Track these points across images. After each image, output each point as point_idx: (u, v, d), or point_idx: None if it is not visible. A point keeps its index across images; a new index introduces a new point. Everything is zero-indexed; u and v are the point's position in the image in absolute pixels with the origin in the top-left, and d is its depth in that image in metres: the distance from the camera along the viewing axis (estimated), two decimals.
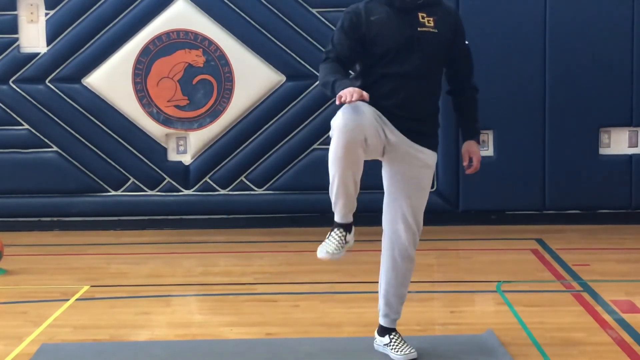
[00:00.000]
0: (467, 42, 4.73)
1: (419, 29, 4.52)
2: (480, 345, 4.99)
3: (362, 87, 4.46)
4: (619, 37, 8.25)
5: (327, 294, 6.10)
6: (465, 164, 4.78)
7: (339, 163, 4.37)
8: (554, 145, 8.34)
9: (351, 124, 4.31)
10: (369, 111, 4.41)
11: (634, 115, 8.33)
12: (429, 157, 4.65)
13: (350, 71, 4.64)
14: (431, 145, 4.68)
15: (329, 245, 4.51)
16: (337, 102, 4.27)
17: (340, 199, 4.47)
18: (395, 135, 4.55)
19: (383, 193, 4.65)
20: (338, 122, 4.35)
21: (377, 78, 4.55)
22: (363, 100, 4.29)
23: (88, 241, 8.12)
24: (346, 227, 4.55)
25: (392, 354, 4.76)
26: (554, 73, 8.28)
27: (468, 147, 4.80)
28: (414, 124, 4.59)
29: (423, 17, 4.54)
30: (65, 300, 6.11)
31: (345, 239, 4.55)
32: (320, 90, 4.95)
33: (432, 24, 4.55)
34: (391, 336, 4.80)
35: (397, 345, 4.77)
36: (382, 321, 4.83)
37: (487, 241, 7.91)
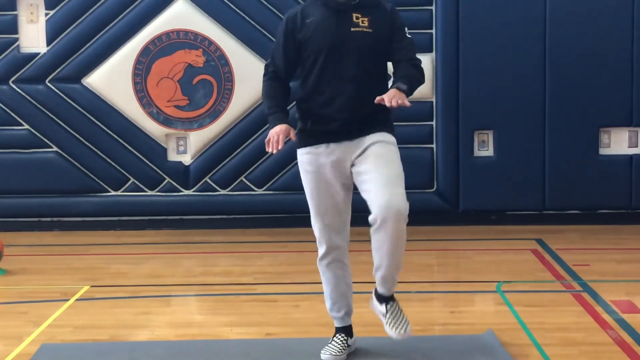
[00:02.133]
0: (409, 36, 4.64)
1: (352, 29, 4.52)
2: (480, 345, 4.99)
3: (302, 98, 4.64)
4: (619, 37, 8.26)
5: None
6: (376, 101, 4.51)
7: (327, 275, 4.77)
8: (554, 145, 8.35)
9: (331, 241, 4.70)
10: (329, 213, 4.66)
11: (634, 115, 8.34)
12: (385, 136, 4.58)
13: (289, 83, 4.75)
14: (384, 129, 4.61)
15: (332, 349, 4.79)
16: (267, 149, 4.54)
17: (337, 302, 4.80)
18: (345, 150, 4.56)
19: None
20: (318, 234, 4.72)
21: (315, 84, 4.57)
22: (308, 112, 4.61)
23: (88, 241, 8.12)
24: (347, 332, 4.84)
25: (386, 327, 4.65)
26: (554, 73, 8.28)
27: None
28: (360, 122, 4.57)
29: (357, 18, 4.54)
30: (65, 300, 6.11)
31: (347, 343, 4.82)
32: None
33: (366, 24, 4.54)
34: (388, 306, 4.67)
35: (392, 318, 4.64)
36: (379, 289, 4.69)
37: (487, 241, 7.91)
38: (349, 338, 4.86)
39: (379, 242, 4.50)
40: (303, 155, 4.68)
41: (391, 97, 4.36)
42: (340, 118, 4.55)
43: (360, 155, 4.57)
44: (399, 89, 4.42)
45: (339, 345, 4.80)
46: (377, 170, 4.50)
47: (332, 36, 4.51)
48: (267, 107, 4.71)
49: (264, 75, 4.77)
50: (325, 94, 4.56)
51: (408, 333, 4.64)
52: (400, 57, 4.59)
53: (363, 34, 4.52)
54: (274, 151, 4.50)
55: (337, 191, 4.65)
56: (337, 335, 4.85)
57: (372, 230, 4.51)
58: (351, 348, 4.87)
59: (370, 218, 4.47)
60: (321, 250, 4.75)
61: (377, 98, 4.41)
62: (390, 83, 4.60)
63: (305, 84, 4.62)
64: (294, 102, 4.79)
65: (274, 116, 4.63)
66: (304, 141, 4.68)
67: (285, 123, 4.57)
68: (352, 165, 4.59)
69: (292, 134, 4.53)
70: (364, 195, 4.55)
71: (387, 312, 4.68)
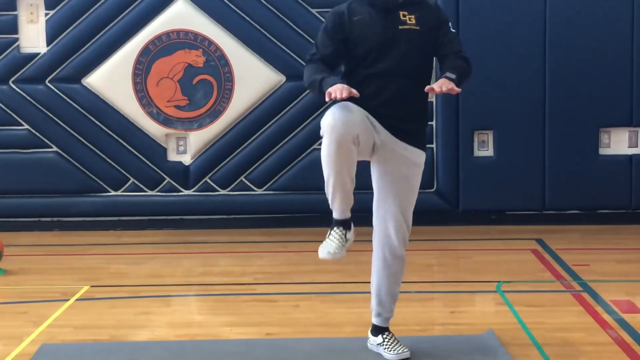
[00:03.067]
0: (453, 30, 4.70)
1: (400, 27, 4.56)
2: (480, 345, 4.99)
3: None
4: (619, 38, 8.25)
5: (327, 294, 6.10)
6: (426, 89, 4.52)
7: (333, 161, 4.40)
8: (554, 145, 8.35)
9: (342, 121, 4.33)
10: (358, 110, 4.43)
11: (634, 115, 8.34)
12: (417, 156, 4.65)
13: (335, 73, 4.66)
14: (419, 143, 4.67)
15: (330, 245, 4.53)
16: (327, 99, 4.33)
17: (338, 195, 4.50)
18: (383, 135, 4.56)
19: None
20: (328, 121, 4.37)
21: (361, 79, 4.57)
22: (352, 99, 4.35)
23: (88, 241, 8.12)
24: (345, 225, 4.58)
25: (385, 354, 4.77)
26: (554, 73, 8.28)
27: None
28: (401, 123, 4.59)
29: (404, 16, 4.57)
30: (65, 300, 6.11)
31: (345, 237, 4.57)
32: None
33: (413, 22, 4.57)
34: (384, 336, 4.81)
35: (390, 345, 4.78)
36: (375, 320, 4.84)
37: (487, 241, 7.91)
38: (348, 231, 4.58)
39: (377, 270, 4.75)
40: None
41: (441, 84, 4.40)
42: (384, 112, 4.55)
43: (390, 152, 4.57)
44: (447, 78, 4.46)
45: (337, 240, 4.55)
46: (395, 190, 4.60)
47: (382, 35, 4.53)
48: (320, 76, 4.47)
49: (308, 61, 4.62)
50: (370, 88, 4.55)
51: (406, 354, 4.75)
52: (447, 51, 4.63)
53: (411, 31, 4.56)
54: (339, 96, 4.27)
55: (371, 129, 4.51)
56: (335, 228, 4.57)
57: (373, 256, 4.72)
58: (349, 242, 4.62)
59: (373, 240, 4.69)
60: (328, 142, 4.39)
61: (427, 87, 4.44)
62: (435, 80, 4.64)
63: (350, 78, 4.60)
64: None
65: (329, 78, 4.43)
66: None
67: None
68: (377, 150, 4.56)
69: (355, 92, 4.31)
70: (374, 206, 4.68)
71: (384, 340, 4.81)
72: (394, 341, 4.80)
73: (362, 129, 4.42)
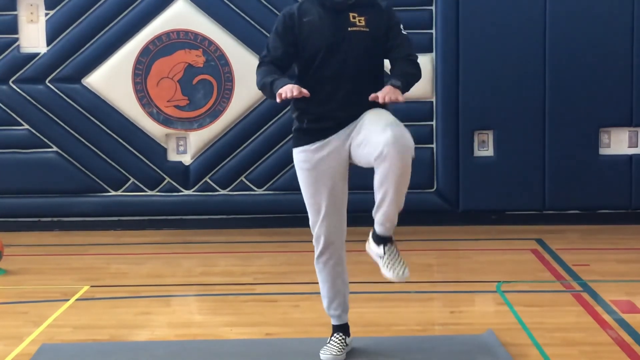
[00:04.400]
0: (404, 33, 4.64)
1: (349, 28, 4.54)
2: (480, 345, 4.99)
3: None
4: (619, 37, 8.26)
5: None
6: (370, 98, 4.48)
7: (327, 279, 4.79)
8: (554, 145, 8.35)
9: (330, 239, 4.69)
10: (329, 204, 4.65)
11: (634, 115, 8.34)
12: (376, 109, 4.57)
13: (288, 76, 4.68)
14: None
15: (331, 349, 4.80)
16: (278, 100, 4.41)
17: (334, 300, 4.81)
18: (342, 135, 4.57)
19: None
20: (319, 238, 4.73)
21: (312, 82, 4.57)
22: (306, 102, 4.51)
23: (88, 241, 8.12)
24: (344, 331, 4.87)
25: (383, 269, 4.53)
26: (554, 73, 8.28)
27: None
28: (354, 117, 4.58)
29: (354, 17, 4.55)
30: (65, 300, 6.11)
31: (345, 342, 4.85)
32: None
33: (363, 23, 4.55)
34: (386, 247, 4.53)
35: (390, 260, 4.52)
36: (378, 229, 4.55)
37: (487, 241, 7.91)
38: (347, 337, 4.88)
39: (384, 174, 4.37)
40: (299, 154, 4.70)
41: (385, 94, 4.37)
42: (337, 116, 4.58)
43: (354, 130, 4.56)
44: (393, 85, 4.42)
45: (338, 345, 4.82)
46: (375, 122, 4.47)
47: (330, 36, 4.53)
48: (270, 79, 4.54)
49: (259, 64, 4.67)
50: (322, 92, 4.57)
51: (406, 275, 4.49)
52: (396, 55, 4.60)
53: (360, 33, 4.54)
54: (290, 96, 4.37)
55: (335, 183, 4.64)
56: (335, 334, 4.87)
57: (376, 162, 4.37)
58: (349, 347, 4.89)
59: (377, 152, 4.35)
60: (318, 248, 4.76)
61: (372, 95, 4.41)
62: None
63: (302, 82, 4.61)
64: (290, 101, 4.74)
65: (280, 80, 4.50)
66: (299, 140, 4.71)
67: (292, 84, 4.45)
68: (349, 146, 4.58)
69: (304, 91, 4.39)
70: (367, 147, 4.44)
71: (384, 253, 4.52)
72: (395, 256, 4.53)
73: (337, 215, 4.69)
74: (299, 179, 4.73)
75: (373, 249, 4.59)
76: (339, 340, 4.84)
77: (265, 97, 8.40)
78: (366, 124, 4.51)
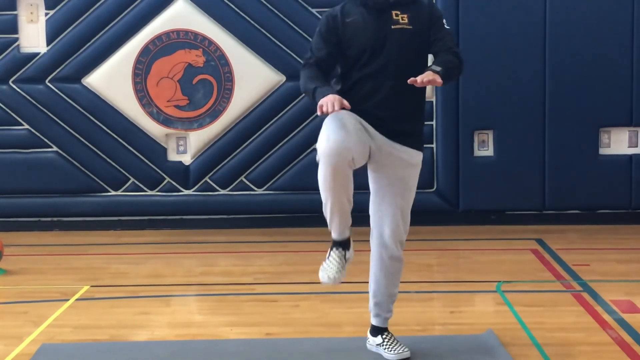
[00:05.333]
0: (447, 27, 4.66)
1: (392, 26, 4.54)
2: (480, 345, 4.99)
3: (341, 91, 4.55)
4: (619, 37, 8.26)
5: (327, 294, 6.10)
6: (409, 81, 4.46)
7: (330, 188, 4.45)
8: (554, 145, 8.35)
9: (336, 148, 4.34)
10: (352, 123, 4.42)
11: (634, 115, 8.34)
12: (413, 157, 4.63)
13: (331, 75, 4.67)
14: (415, 144, 4.65)
15: (330, 268, 4.62)
16: (319, 113, 4.34)
17: (336, 218, 4.57)
18: (378, 140, 4.57)
19: None
20: (323, 146, 4.38)
21: (355, 80, 4.57)
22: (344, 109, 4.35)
23: (88, 241, 8.12)
24: (344, 245, 4.65)
25: (385, 354, 4.78)
26: (554, 73, 8.28)
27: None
28: (396, 123, 4.58)
29: (397, 15, 4.56)
30: (65, 300, 6.11)
31: (345, 257, 4.66)
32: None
33: (406, 21, 4.56)
34: (383, 336, 4.82)
35: (389, 345, 4.79)
36: (374, 321, 4.85)
37: (487, 241, 7.91)
38: (347, 251, 4.64)
39: (374, 271, 4.74)
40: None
41: (423, 77, 4.36)
42: (379, 114, 4.55)
43: (385, 156, 4.57)
44: (432, 70, 4.42)
45: (337, 262, 4.61)
46: (391, 193, 4.59)
47: (374, 35, 4.53)
48: (313, 85, 4.48)
49: (303, 66, 4.63)
50: (365, 89, 4.56)
51: (407, 354, 4.75)
52: (439, 48, 4.60)
53: (404, 31, 4.54)
54: (330, 110, 4.28)
55: (365, 139, 4.51)
56: (334, 249, 4.63)
57: (370, 257, 4.71)
58: (349, 260, 4.68)
59: (371, 241, 4.68)
60: (324, 163, 4.39)
61: (410, 79, 4.38)
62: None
63: (346, 79, 4.60)
64: None
65: (322, 88, 4.43)
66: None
67: (335, 94, 4.39)
68: (373, 155, 4.57)
69: (346, 103, 4.34)
70: (370, 208, 4.68)
71: (383, 341, 4.81)
72: (393, 341, 4.80)
73: (357, 148, 4.42)
74: (324, 123, 4.49)
75: (372, 343, 4.86)
76: (339, 257, 4.62)
77: (266, 97, 8.48)
78: (388, 180, 4.61)
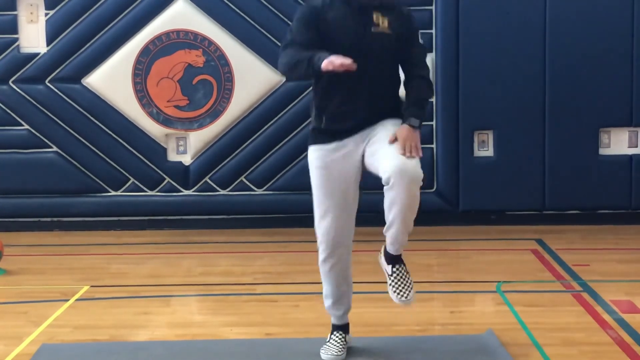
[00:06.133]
0: (421, 42, 4.73)
1: (372, 29, 4.52)
2: (480, 345, 4.99)
3: (316, 94, 4.60)
4: (619, 37, 8.25)
5: None
6: (389, 140, 4.49)
7: (331, 279, 4.74)
8: (554, 145, 8.34)
9: (336, 240, 4.62)
10: (340, 181, 4.58)
11: (634, 115, 8.34)
12: (393, 120, 4.57)
13: None
14: (394, 117, 4.59)
15: (332, 348, 4.80)
16: (325, 69, 4.27)
17: (338, 301, 4.79)
18: (360, 136, 4.57)
19: (383, 193, 4.59)
20: (322, 235, 4.63)
21: (333, 82, 4.52)
22: (326, 99, 4.50)
23: (88, 241, 8.12)
24: (345, 329, 4.86)
25: (389, 290, 4.61)
26: (554, 73, 8.28)
27: (399, 129, 4.49)
28: (374, 122, 4.57)
29: (377, 18, 4.53)
30: (65, 300, 6.11)
31: (345, 340, 4.85)
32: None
33: (386, 25, 4.53)
34: (394, 268, 4.61)
35: (397, 284, 4.59)
36: (388, 248, 4.61)
37: (487, 241, 7.91)
38: (347, 335, 4.88)
39: (391, 201, 4.41)
40: (314, 152, 4.66)
41: (404, 142, 4.38)
42: (357, 117, 4.56)
43: (371, 138, 4.57)
44: (412, 126, 4.44)
45: (338, 344, 4.82)
46: (390, 144, 4.49)
47: (354, 36, 4.50)
48: (306, 55, 4.41)
49: (284, 47, 4.55)
50: (343, 92, 4.54)
51: (410, 299, 4.57)
52: (412, 70, 4.60)
53: (383, 35, 4.52)
54: (339, 64, 4.25)
55: (347, 186, 4.62)
56: (335, 333, 4.86)
57: (385, 188, 4.41)
58: (348, 344, 4.89)
59: (384, 178, 4.39)
60: (324, 251, 4.70)
61: (390, 137, 4.43)
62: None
63: (322, 81, 4.56)
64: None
65: (320, 53, 4.36)
66: (316, 139, 4.66)
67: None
68: (364, 151, 4.58)
69: (353, 65, 4.30)
70: (378, 164, 4.48)
71: (392, 274, 4.61)
72: (402, 279, 4.60)
73: (353, 215, 4.63)
74: (311, 177, 4.70)
75: (383, 264, 4.71)
76: (339, 339, 4.84)
77: (266, 97, 8.47)
78: (382, 138, 4.51)
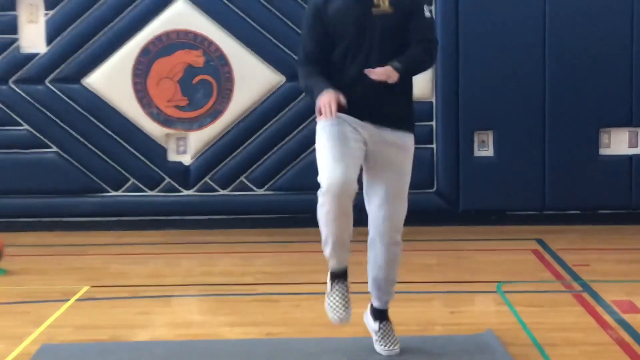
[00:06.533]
0: (427, 15, 4.64)
1: (373, 9, 4.51)
2: (480, 345, 4.99)
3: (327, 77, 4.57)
4: (618, 37, 8.26)
5: None
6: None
7: (331, 227, 4.46)
8: (554, 145, 8.35)
9: (339, 185, 4.34)
10: (346, 138, 4.47)
11: (634, 115, 8.34)
12: (405, 139, 4.61)
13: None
14: (406, 126, 4.63)
15: (337, 309, 4.61)
16: (318, 119, 4.39)
17: (336, 253, 4.58)
18: (366, 129, 4.55)
19: None
20: (324, 182, 4.37)
21: (339, 67, 4.55)
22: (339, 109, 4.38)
23: (88, 241, 8.12)
24: (344, 276, 4.65)
25: (375, 344, 4.79)
26: (554, 73, 8.28)
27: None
28: (382, 108, 4.56)
29: None
30: (66, 300, 6.11)
31: (348, 290, 4.66)
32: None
33: (387, 4, 4.53)
34: (381, 324, 4.80)
35: (382, 338, 4.77)
36: (375, 304, 4.80)
37: (487, 241, 7.91)
38: (346, 281, 4.65)
39: (373, 260, 4.70)
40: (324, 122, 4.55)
41: (377, 74, 4.38)
42: (365, 101, 4.54)
43: (377, 148, 4.56)
44: (392, 66, 4.42)
45: (341, 298, 4.61)
46: (385, 183, 4.56)
47: (355, 21, 4.51)
48: (308, 82, 4.54)
49: (299, 63, 4.69)
50: (349, 75, 4.54)
51: (397, 350, 4.77)
52: (412, 38, 4.57)
53: (385, 16, 4.51)
54: (329, 117, 4.33)
55: (357, 145, 4.52)
56: (336, 283, 4.63)
57: (368, 243, 4.65)
58: (349, 294, 4.69)
59: (369, 228, 4.62)
60: (326, 202, 4.40)
61: (366, 69, 4.40)
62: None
63: (331, 65, 4.59)
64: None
65: (318, 85, 4.46)
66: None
67: (330, 89, 4.42)
68: (366, 149, 4.57)
69: (342, 99, 4.40)
70: (366, 200, 4.64)
71: (379, 330, 4.81)
72: (388, 334, 4.78)
73: (356, 170, 4.47)
74: (318, 137, 4.54)
75: (369, 323, 4.85)
76: (341, 292, 4.63)
77: (266, 97, 8.48)
78: (380, 171, 4.58)
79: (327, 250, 4.57)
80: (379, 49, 4.52)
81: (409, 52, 4.53)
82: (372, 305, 4.86)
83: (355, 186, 4.43)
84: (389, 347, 4.77)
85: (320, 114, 4.36)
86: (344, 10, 4.53)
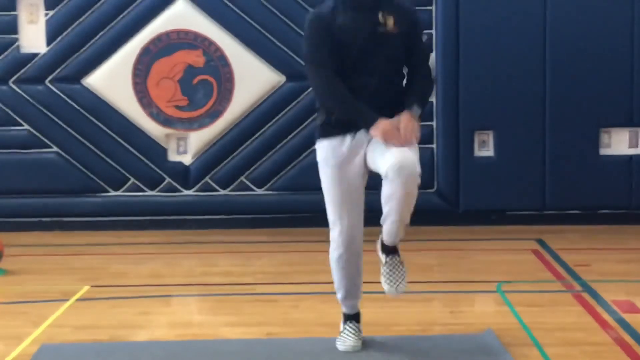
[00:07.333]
0: (424, 39, 4.82)
1: (380, 29, 4.58)
2: (480, 345, 4.99)
3: None
4: (619, 37, 8.25)
5: (327, 294, 6.08)
6: None
7: (346, 270, 4.78)
8: (554, 145, 8.34)
9: (351, 236, 4.68)
10: (351, 177, 4.63)
11: (634, 115, 8.33)
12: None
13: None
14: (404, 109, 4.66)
15: (348, 339, 4.84)
16: (397, 143, 4.45)
17: (349, 297, 4.85)
18: (364, 136, 4.62)
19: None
20: (335, 231, 4.68)
21: (342, 80, 4.58)
22: None
23: (88, 241, 8.12)
24: (358, 318, 4.91)
25: (382, 279, 4.72)
26: (554, 73, 8.28)
27: (402, 115, 4.57)
28: (380, 113, 4.58)
29: (383, 17, 4.58)
30: (66, 300, 6.11)
31: (359, 329, 4.90)
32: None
33: (391, 24, 4.59)
34: (388, 257, 4.72)
35: (389, 272, 4.71)
36: (384, 238, 4.70)
37: (487, 241, 7.91)
38: (359, 324, 4.91)
39: (388, 195, 4.48)
40: (324, 148, 4.69)
41: (405, 128, 4.48)
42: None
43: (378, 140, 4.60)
44: (413, 114, 4.55)
45: (353, 334, 4.86)
46: (393, 147, 4.52)
47: (362, 38, 4.56)
48: (347, 105, 4.58)
49: (314, 67, 4.64)
50: (352, 88, 4.58)
51: (400, 291, 4.70)
52: (415, 68, 4.69)
53: (389, 35, 4.58)
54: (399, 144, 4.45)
55: (358, 183, 4.68)
56: (349, 323, 4.90)
57: (383, 181, 4.48)
58: (361, 333, 4.92)
59: (383, 172, 4.46)
60: (339, 249, 4.74)
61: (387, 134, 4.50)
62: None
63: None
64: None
65: (363, 112, 4.55)
66: (325, 132, 4.70)
67: (378, 117, 4.53)
68: (367, 146, 4.62)
69: (418, 135, 4.57)
70: (378, 159, 4.54)
71: (385, 263, 4.72)
72: (395, 269, 4.71)
73: (361, 210, 4.69)
74: (322, 175, 4.72)
75: (379, 253, 4.78)
76: (354, 328, 4.88)
77: (266, 98, 8.47)
78: (382, 148, 4.56)
79: (340, 295, 4.86)
80: (382, 67, 4.59)
81: (421, 90, 4.66)
82: (382, 242, 4.75)
83: (362, 228, 4.73)
84: (392, 284, 4.67)
85: (384, 139, 4.46)
86: (351, 25, 4.57)
